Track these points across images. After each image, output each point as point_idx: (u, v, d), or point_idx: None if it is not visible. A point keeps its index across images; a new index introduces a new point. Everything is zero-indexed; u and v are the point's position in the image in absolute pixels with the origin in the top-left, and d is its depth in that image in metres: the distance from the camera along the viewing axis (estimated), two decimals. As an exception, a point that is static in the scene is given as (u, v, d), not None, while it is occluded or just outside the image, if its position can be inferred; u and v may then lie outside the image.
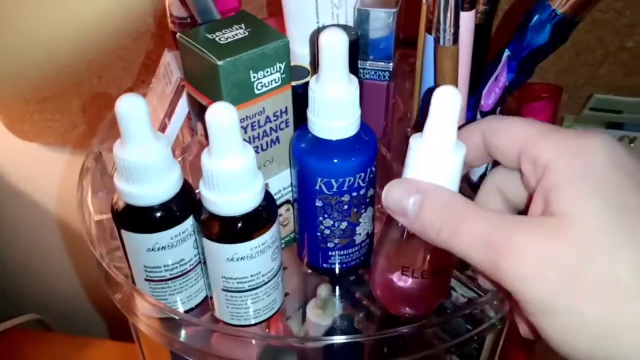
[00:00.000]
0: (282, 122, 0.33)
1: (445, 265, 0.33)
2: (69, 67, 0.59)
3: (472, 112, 0.37)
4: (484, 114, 0.36)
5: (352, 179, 0.32)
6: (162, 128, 0.35)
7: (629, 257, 0.22)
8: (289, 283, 0.40)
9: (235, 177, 0.28)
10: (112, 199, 0.31)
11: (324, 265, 0.37)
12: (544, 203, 0.24)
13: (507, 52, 0.32)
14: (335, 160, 0.32)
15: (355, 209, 0.34)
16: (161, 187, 0.29)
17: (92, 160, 0.38)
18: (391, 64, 0.37)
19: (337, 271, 0.37)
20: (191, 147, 0.37)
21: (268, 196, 0.31)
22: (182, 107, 0.34)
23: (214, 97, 0.30)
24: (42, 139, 0.65)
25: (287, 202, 0.36)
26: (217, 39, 0.30)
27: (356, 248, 0.36)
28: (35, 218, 0.76)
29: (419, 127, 0.28)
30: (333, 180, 0.32)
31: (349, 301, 0.41)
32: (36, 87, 0.61)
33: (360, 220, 0.35)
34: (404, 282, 0.32)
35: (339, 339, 0.31)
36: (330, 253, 0.36)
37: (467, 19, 0.34)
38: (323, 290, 0.41)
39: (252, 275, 0.31)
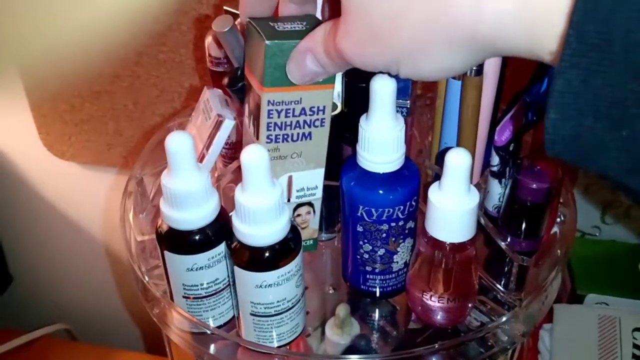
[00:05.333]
0: (318, 120, 0.33)
1: (465, 292, 0.36)
2: (107, 92, 0.63)
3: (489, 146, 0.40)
4: (498, 149, 0.39)
5: (391, 210, 0.35)
6: (201, 157, 0.38)
7: None
8: (309, 302, 0.43)
9: (264, 212, 0.31)
10: (157, 222, 0.34)
11: (363, 287, 0.39)
12: None
13: (526, 98, 0.35)
14: (377, 192, 0.34)
15: (393, 238, 0.36)
16: (201, 213, 0.32)
17: (135, 184, 0.42)
18: (409, 101, 0.40)
19: (377, 294, 0.39)
20: (225, 175, 0.40)
21: (294, 228, 0.33)
22: (219, 141, 0.38)
23: (259, 76, 0.31)
24: (79, 158, 0.69)
25: (309, 204, 0.37)
26: (276, 26, 0.31)
27: (394, 275, 0.38)
28: (64, 231, 0.79)
29: (438, 161, 0.31)
30: (373, 210, 0.35)
31: (367, 322, 0.43)
32: (76, 110, 0.65)
33: (399, 249, 0.37)
34: (430, 300, 0.36)
35: (354, 357, 0.33)
36: (369, 276, 0.38)
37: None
38: (342, 310, 0.43)
39: (278, 301, 0.34)
